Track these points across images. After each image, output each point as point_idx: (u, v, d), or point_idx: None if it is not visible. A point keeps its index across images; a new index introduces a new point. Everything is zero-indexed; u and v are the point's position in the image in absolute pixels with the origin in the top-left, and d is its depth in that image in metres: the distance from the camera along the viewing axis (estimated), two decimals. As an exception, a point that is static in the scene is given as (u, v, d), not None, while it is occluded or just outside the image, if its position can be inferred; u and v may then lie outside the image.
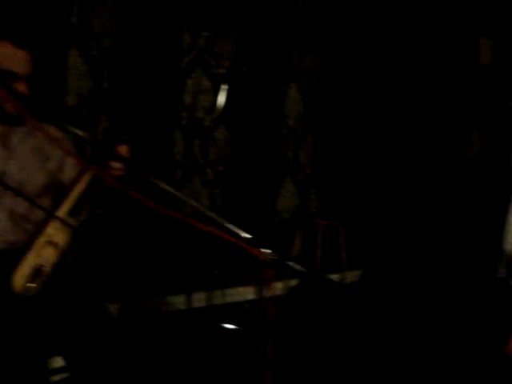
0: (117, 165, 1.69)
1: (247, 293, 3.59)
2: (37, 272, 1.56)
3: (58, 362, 1.72)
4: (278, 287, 3.74)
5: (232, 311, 3.34)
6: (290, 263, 1.19)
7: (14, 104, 1.42)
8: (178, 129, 3.23)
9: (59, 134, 1.99)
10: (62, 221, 1.62)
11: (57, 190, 1.91)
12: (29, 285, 1.54)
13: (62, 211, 1.64)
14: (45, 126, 1.98)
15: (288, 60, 3.75)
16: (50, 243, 1.60)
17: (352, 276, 3.95)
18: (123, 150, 1.70)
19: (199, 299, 3.30)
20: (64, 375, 1.76)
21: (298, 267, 1.18)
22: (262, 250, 1.22)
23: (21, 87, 1.75)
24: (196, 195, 3.30)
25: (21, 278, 1.53)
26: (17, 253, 1.64)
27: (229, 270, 3.49)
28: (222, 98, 2.98)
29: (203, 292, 3.31)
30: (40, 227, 1.72)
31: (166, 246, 3.21)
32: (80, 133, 1.67)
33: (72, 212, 1.65)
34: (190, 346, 2.70)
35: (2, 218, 1.70)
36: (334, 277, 3.97)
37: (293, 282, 3.68)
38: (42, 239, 1.60)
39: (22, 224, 1.73)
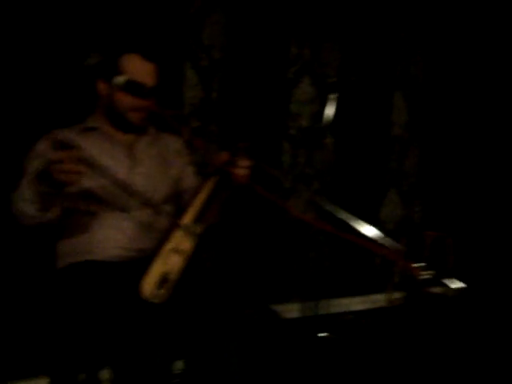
0: (241, 171, 1.71)
1: (352, 303, 3.54)
2: (164, 279, 1.60)
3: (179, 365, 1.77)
4: (381, 299, 3.66)
5: (335, 321, 3.31)
6: (447, 280, 1.15)
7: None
8: (285, 138, 3.25)
9: (180, 143, 2.06)
10: (186, 228, 1.66)
11: (178, 198, 1.97)
12: (157, 291, 1.58)
13: (188, 218, 1.68)
14: (165, 135, 2.06)
15: (393, 68, 3.68)
16: (176, 251, 1.64)
17: (454, 289, 3.78)
18: (242, 161, 1.73)
19: (302, 309, 3.28)
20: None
21: (456, 284, 1.13)
22: (416, 265, 1.18)
23: (149, 99, 1.82)
24: (303, 205, 3.30)
25: (149, 284, 1.57)
26: (144, 260, 1.70)
27: (334, 279, 3.47)
28: (329, 108, 2.95)
29: (306, 302, 3.28)
30: (165, 234, 1.78)
31: (276, 253, 3.24)
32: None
33: (197, 219, 1.69)
34: (292, 356, 2.69)
35: (130, 227, 1.77)
36: (438, 290, 3.82)
37: (397, 295, 3.59)
38: (168, 247, 1.64)
39: (148, 232, 1.79)
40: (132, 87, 1.74)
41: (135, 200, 1.79)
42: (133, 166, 1.84)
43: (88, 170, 1.56)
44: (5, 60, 2.46)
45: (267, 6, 3.10)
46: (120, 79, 1.73)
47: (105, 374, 1.82)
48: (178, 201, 1.96)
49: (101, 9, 2.56)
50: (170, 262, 1.62)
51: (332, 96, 3.01)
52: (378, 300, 3.64)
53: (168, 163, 1.96)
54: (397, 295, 3.56)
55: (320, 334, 2.92)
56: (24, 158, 1.89)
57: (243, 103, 3.03)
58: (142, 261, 1.73)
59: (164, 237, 1.66)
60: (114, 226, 1.75)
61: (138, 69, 1.77)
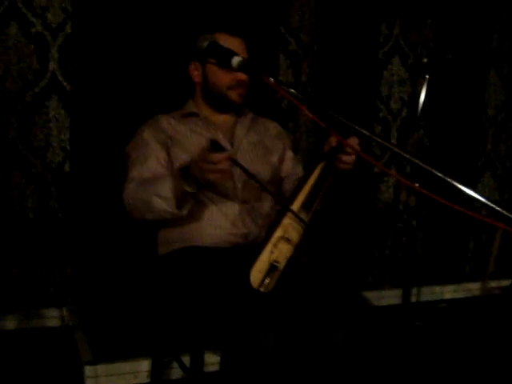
0: (347, 158, 1.67)
1: (445, 292, 3.43)
2: (272, 267, 1.57)
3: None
4: (476, 288, 3.53)
5: (427, 310, 3.21)
6: None
7: (282, 91, 1.45)
8: (376, 121, 3.16)
9: (279, 128, 2.04)
10: (296, 215, 1.62)
11: (278, 183, 1.96)
12: (266, 280, 1.56)
13: (296, 205, 1.65)
14: (263, 120, 2.04)
15: (487, 45, 3.49)
16: (285, 239, 1.61)
17: None
18: (354, 142, 1.68)
19: (395, 296, 3.21)
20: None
21: None
22: None
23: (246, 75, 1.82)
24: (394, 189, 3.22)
25: (258, 273, 1.54)
26: (249, 247, 1.69)
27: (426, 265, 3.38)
28: (422, 89, 2.84)
29: (398, 289, 3.21)
30: (270, 221, 1.77)
31: (367, 239, 3.19)
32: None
33: (305, 206, 1.66)
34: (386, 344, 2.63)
35: (235, 212, 1.76)
36: None
37: (493, 284, 3.45)
38: (276, 234, 1.61)
39: (251, 217, 1.77)
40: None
41: (239, 185, 1.79)
42: (234, 152, 1.83)
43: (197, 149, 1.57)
44: (105, 50, 2.53)
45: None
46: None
47: (209, 357, 1.85)
48: (278, 186, 1.95)
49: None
50: (278, 250, 1.60)
51: (424, 77, 2.89)
52: (472, 289, 3.50)
53: (269, 148, 1.94)
54: (493, 284, 3.42)
55: (416, 323, 2.84)
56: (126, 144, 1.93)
57: (333, 86, 2.97)
58: (246, 247, 1.73)
59: (273, 224, 1.64)
60: (220, 212, 1.75)
61: (228, 45, 1.76)
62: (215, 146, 1.50)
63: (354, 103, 3.03)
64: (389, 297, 3.21)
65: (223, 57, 1.51)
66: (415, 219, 3.09)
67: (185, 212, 1.64)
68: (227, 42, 1.77)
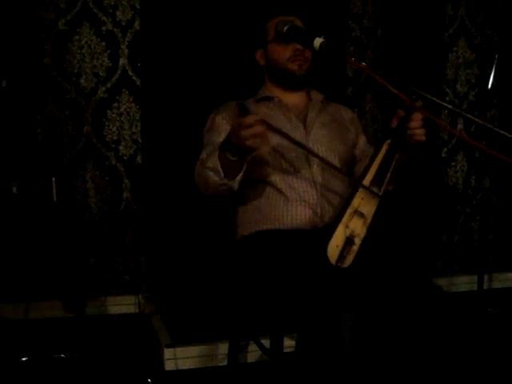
0: (418, 130, 1.66)
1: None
2: (349, 242, 1.59)
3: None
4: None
5: (500, 297, 3.13)
6: None
7: (363, 67, 1.46)
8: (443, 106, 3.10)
9: (351, 112, 2.06)
10: (367, 189, 1.63)
11: (351, 164, 1.97)
12: (343, 254, 1.57)
13: (367, 180, 1.66)
14: (334, 104, 2.07)
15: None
16: (357, 213, 1.62)
17: None
18: (418, 116, 1.67)
19: (465, 282, 3.15)
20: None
21: None
22: None
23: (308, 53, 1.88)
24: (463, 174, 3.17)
25: (335, 248, 1.56)
26: (326, 228, 1.70)
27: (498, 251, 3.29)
28: (490, 71, 2.77)
29: (468, 275, 3.14)
30: (344, 199, 1.78)
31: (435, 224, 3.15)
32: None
33: (375, 181, 1.66)
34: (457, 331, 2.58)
35: (313, 193, 1.78)
36: None
37: None
38: (349, 209, 1.62)
39: (327, 198, 1.79)
40: (293, 32, 1.72)
41: (314, 166, 1.80)
42: (308, 132, 1.86)
43: (271, 134, 1.58)
44: (172, 44, 2.61)
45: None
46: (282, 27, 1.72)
47: (288, 340, 1.87)
48: (351, 167, 1.96)
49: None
50: (352, 224, 1.61)
51: (494, 57, 2.82)
52: None
53: (344, 129, 1.96)
54: None
55: (489, 309, 2.77)
56: (201, 129, 1.99)
57: (397, 72, 2.94)
58: (323, 228, 1.74)
59: (346, 200, 1.65)
60: (298, 195, 1.77)
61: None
62: (244, 111, 1.47)
63: (420, 87, 2.99)
64: (459, 283, 3.15)
65: (305, 38, 1.54)
66: (486, 204, 3.02)
67: (234, 183, 1.66)
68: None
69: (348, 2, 2.88)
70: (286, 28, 1.62)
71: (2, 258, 2.56)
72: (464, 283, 3.14)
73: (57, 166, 2.58)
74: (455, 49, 3.11)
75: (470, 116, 1.31)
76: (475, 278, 2.84)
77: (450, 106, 1.32)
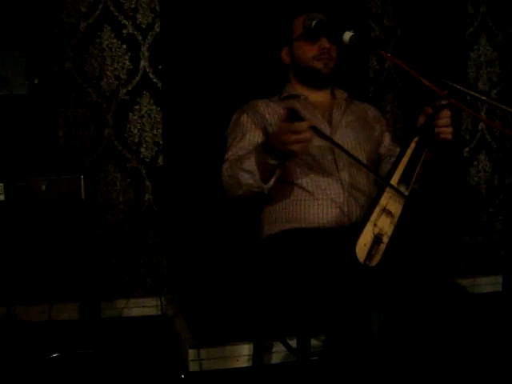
0: (445, 129, 1.65)
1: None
2: (376, 240, 1.57)
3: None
4: None
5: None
6: None
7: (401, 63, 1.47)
8: (465, 104, 3.07)
9: (376, 110, 2.05)
10: (395, 188, 1.62)
11: (377, 162, 1.95)
12: (372, 253, 1.55)
13: (394, 179, 1.64)
14: (359, 102, 2.06)
15: None
16: (385, 212, 1.61)
17: None
18: (446, 114, 1.65)
19: (489, 283, 3.12)
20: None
21: None
22: None
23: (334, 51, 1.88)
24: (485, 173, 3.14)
25: (363, 246, 1.54)
26: (354, 226, 1.69)
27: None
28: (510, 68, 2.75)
29: (492, 276, 3.11)
30: (370, 198, 1.77)
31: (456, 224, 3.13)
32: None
33: (403, 180, 1.65)
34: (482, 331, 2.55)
35: (340, 192, 1.77)
36: None
37: None
38: (377, 208, 1.60)
39: (354, 196, 1.78)
40: (321, 26, 1.71)
41: (340, 164, 1.79)
42: (334, 131, 1.85)
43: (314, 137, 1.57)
44: (192, 46, 2.62)
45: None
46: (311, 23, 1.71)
47: (314, 341, 1.86)
48: (377, 166, 1.94)
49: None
50: (380, 222, 1.59)
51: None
52: None
53: (368, 125, 1.95)
54: None
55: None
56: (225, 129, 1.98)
57: (418, 70, 2.92)
58: (351, 227, 1.73)
59: (374, 199, 1.64)
60: (325, 194, 1.76)
61: None
62: (294, 116, 1.48)
63: (441, 86, 2.97)
64: (483, 284, 3.12)
65: (334, 33, 1.53)
66: (509, 203, 2.99)
67: (270, 184, 1.67)
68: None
69: (367, 2, 2.87)
70: (314, 23, 1.62)
71: (26, 258, 2.57)
72: (488, 284, 3.11)
73: (79, 168, 2.60)
74: (476, 47, 3.08)
75: (502, 106, 1.29)
76: (499, 278, 2.80)
77: (483, 97, 1.30)
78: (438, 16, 2.94)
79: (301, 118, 1.48)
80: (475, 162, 3.15)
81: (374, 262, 1.56)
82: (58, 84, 2.56)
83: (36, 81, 2.34)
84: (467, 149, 3.12)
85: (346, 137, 1.85)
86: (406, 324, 1.63)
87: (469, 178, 3.14)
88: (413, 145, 1.68)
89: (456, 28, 3.00)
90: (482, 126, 3.12)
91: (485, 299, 3.02)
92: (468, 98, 1.53)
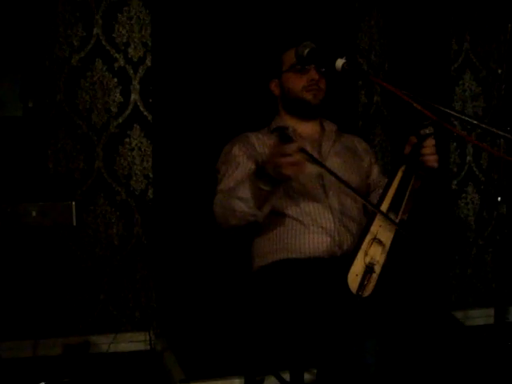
0: (430, 157, 1.67)
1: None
2: (368, 269, 1.56)
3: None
4: None
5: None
6: None
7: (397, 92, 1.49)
8: (452, 138, 3.14)
9: (365, 142, 2.08)
10: (385, 215, 1.62)
11: (365, 194, 1.96)
12: (364, 283, 1.54)
13: (383, 208, 1.65)
14: (347, 135, 2.08)
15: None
16: (377, 240, 1.61)
17: None
18: (430, 142, 1.68)
19: (480, 315, 3.10)
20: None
21: None
22: None
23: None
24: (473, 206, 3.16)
25: (355, 276, 1.53)
26: (345, 256, 1.69)
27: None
28: (497, 102, 2.80)
29: (484, 309, 3.10)
30: (361, 226, 1.77)
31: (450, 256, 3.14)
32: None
33: (392, 208, 1.65)
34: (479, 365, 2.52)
35: (330, 221, 1.77)
36: None
37: None
38: (368, 236, 1.60)
39: (345, 225, 1.78)
40: (314, 54, 1.73)
41: (330, 193, 1.80)
42: (323, 161, 1.86)
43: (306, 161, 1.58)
44: (183, 80, 2.64)
45: (424, 4, 3.02)
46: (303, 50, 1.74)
47: (309, 375, 1.83)
48: (366, 196, 1.95)
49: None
50: (371, 251, 1.59)
51: (499, 88, 2.85)
52: None
53: (356, 157, 1.97)
54: None
55: (508, 343, 2.71)
56: (215, 161, 1.99)
57: (406, 105, 2.97)
58: (342, 256, 1.73)
59: (364, 228, 1.64)
60: (316, 223, 1.76)
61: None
62: (285, 138, 1.49)
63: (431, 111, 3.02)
64: (475, 316, 3.10)
65: (326, 60, 1.55)
66: (499, 235, 3.00)
67: (265, 212, 1.66)
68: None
69: (355, 38, 2.93)
70: (306, 51, 1.64)
71: (12, 289, 2.53)
72: (480, 316, 3.09)
73: (70, 194, 2.58)
74: (461, 82, 3.15)
75: (493, 129, 1.31)
76: (491, 311, 2.79)
77: (474, 122, 1.32)
78: (423, 52, 3.01)
79: (291, 140, 1.49)
80: (463, 195, 3.18)
81: (367, 293, 1.55)
82: (48, 116, 2.57)
83: (30, 104, 2.34)
84: (455, 181, 3.16)
85: (336, 167, 1.85)
86: (400, 355, 1.61)
87: (458, 211, 3.17)
88: (400, 173, 1.70)
89: (441, 64, 3.07)
90: (469, 158, 3.16)
91: (478, 331, 3.00)
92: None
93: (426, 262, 2.97)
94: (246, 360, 1.94)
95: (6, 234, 1.67)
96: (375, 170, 2.01)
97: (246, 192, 1.61)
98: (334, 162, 1.87)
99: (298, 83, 1.90)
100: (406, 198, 1.70)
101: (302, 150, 1.51)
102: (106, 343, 2.63)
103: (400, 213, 1.68)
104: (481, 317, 3.09)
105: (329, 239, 1.74)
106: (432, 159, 1.67)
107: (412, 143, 1.69)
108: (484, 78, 3.18)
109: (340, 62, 1.54)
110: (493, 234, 3.14)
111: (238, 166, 1.82)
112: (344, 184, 1.69)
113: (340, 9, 2.87)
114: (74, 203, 1.67)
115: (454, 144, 3.14)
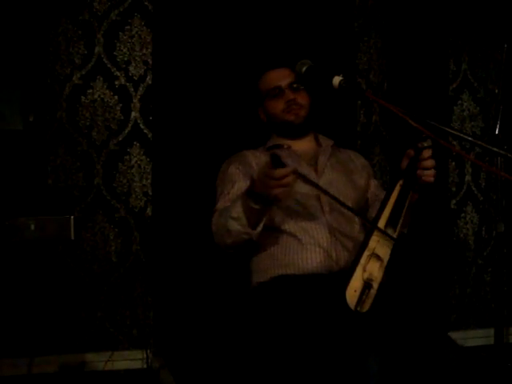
0: (427, 171, 1.67)
1: None
2: (367, 285, 1.57)
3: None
4: None
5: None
6: None
7: (382, 102, 1.52)
8: (451, 158, 3.15)
9: (362, 157, 2.08)
10: (382, 231, 1.63)
11: (364, 208, 1.96)
12: (362, 299, 1.54)
13: (381, 223, 1.65)
14: (344, 150, 2.09)
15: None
16: (375, 255, 1.61)
17: None
18: (427, 155, 1.70)
19: (481, 336, 3.08)
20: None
21: None
22: None
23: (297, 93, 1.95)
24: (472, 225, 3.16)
25: (353, 292, 1.54)
26: (342, 272, 1.68)
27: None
28: (494, 123, 2.82)
29: (484, 329, 3.08)
30: (357, 243, 1.77)
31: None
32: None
33: (390, 223, 1.65)
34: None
35: (327, 237, 1.77)
36: None
37: None
38: (365, 252, 1.61)
39: (342, 241, 1.78)
40: (311, 72, 1.76)
41: (327, 209, 1.80)
42: (319, 176, 1.87)
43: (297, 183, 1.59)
44: (183, 98, 2.66)
45: (422, 25, 3.05)
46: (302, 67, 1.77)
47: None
48: (364, 211, 1.95)
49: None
50: (369, 267, 1.59)
51: (497, 109, 2.87)
52: None
53: (353, 173, 1.97)
54: None
55: (508, 364, 2.69)
56: (213, 180, 2.00)
57: (405, 125, 2.98)
58: (339, 272, 1.72)
59: (362, 244, 1.64)
60: (312, 239, 1.77)
61: (271, 77, 1.97)
62: (277, 162, 1.51)
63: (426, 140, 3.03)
64: (475, 337, 3.08)
65: (323, 77, 1.58)
66: (498, 255, 2.99)
67: (258, 230, 1.67)
68: (270, 75, 2.02)
69: (354, 58, 2.96)
70: (304, 68, 1.66)
71: (9, 305, 2.51)
72: (480, 337, 3.07)
73: (69, 208, 2.58)
74: (460, 102, 3.17)
75: (491, 147, 1.32)
76: (491, 331, 2.77)
77: (469, 138, 1.33)
78: (422, 72, 3.03)
79: (283, 165, 1.50)
80: (462, 214, 3.18)
81: (365, 308, 1.55)
82: (48, 133, 2.58)
83: (31, 118, 2.35)
84: (454, 201, 3.16)
85: (332, 182, 1.87)
86: (401, 371, 1.60)
87: (457, 230, 3.16)
88: (398, 187, 1.71)
89: (440, 84, 3.10)
90: (468, 178, 3.17)
91: (478, 352, 2.98)
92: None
93: (424, 280, 2.97)
94: (245, 380, 1.92)
95: (3, 247, 1.68)
96: (373, 184, 2.02)
97: (238, 211, 1.62)
98: (330, 177, 1.88)
99: (277, 107, 1.96)
100: (404, 211, 1.70)
101: (297, 173, 1.52)
102: (102, 361, 2.61)
103: (398, 226, 1.68)
104: (481, 337, 3.07)
105: (325, 255, 1.75)
106: (429, 174, 1.68)
107: (409, 156, 1.70)
108: (482, 98, 3.20)
109: (337, 80, 1.56)
110: (492, 254, 3.13)
111: (234, 185, 1.83)
112: (339, 203, 1.70)
113: (339, 30, 2.90)
114: (72, 217, 1.68)
115: (453, 163, 3.15)
